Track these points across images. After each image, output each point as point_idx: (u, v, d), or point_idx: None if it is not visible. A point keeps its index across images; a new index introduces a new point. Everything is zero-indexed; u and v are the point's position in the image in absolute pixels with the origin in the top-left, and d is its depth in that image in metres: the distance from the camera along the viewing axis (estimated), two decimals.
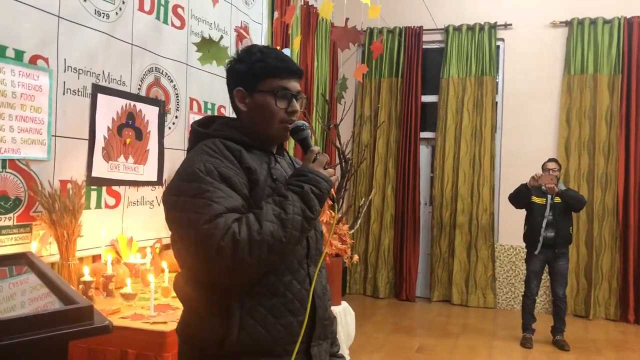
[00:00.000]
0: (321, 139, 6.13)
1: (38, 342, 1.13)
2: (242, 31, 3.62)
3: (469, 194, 6.34)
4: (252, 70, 1.49)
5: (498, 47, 6.40)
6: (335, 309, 3.15)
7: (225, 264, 1.29)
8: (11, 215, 2.42)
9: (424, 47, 6.55)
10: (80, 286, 2.45)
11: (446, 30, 6.44)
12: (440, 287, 6.50)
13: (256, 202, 1.40)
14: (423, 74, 6.56)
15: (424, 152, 6.78)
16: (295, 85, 1.52)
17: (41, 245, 2.55)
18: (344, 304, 3.59)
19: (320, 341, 1.52)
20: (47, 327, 1.12)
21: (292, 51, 3.80)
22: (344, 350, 3.41)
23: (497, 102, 6.39)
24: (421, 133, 6.58)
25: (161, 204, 3.38)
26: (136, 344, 2.14)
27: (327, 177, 1.45)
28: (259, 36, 4.47)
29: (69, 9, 2.68)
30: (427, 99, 6.66)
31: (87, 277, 2.46)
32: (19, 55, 2.43)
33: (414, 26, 6.51)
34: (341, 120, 4.90)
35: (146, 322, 2.23)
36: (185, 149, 3.59)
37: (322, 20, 5.98)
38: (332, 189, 1.47)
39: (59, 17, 2.62)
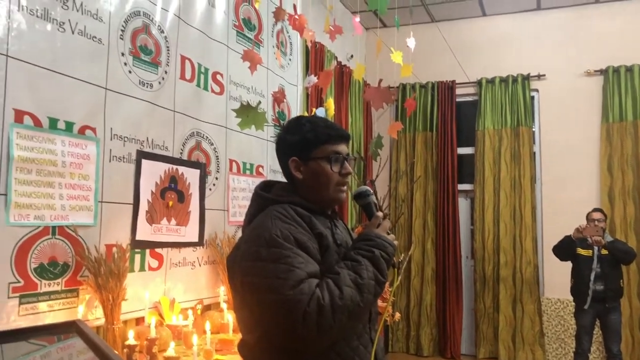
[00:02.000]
0: None
1: None
2: (279, 96, 3.73)
3: (512, 246, 6.20)
4: (304, 140, 1.56)
5: (532, 97, 6.40)
6: None
7: (310, 329, 1.30)
8: (59, 280, 2.49)
9: (457, 100, 6.60)
10: (125, 350, 2.48)
11: (479, 83, 6.49)
12: (486, 343, 6.27)
13: (328, 267, 1.43)
14: (458, 126, 6.58)
15: (463, 204, 6.71)
16: (344, 148, 1.60)
17: (87, 309, 2.60)
18: None
19: None
20: None
21: (326, 111, 3.88)
22: None
23: (535, 153, 6.33)
24: (459, 185, 6.54)
25: (203, 264, 3.45)
26: None
27: (391, 241, 1.51)
28: (295, 97, 4.60)
29: (116, 81, 2.82)
30: (463, 151, 6.65)
31: (131, 341, 2.49)
32: (69, 126, 2.56)
33: (446, 80, 6.59)
34: (377, 175, 4.93)
35: None
36: (225, 208, 3.67)
37: (354, 79, 6.11)
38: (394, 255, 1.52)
39: (106, 89, 2.77)
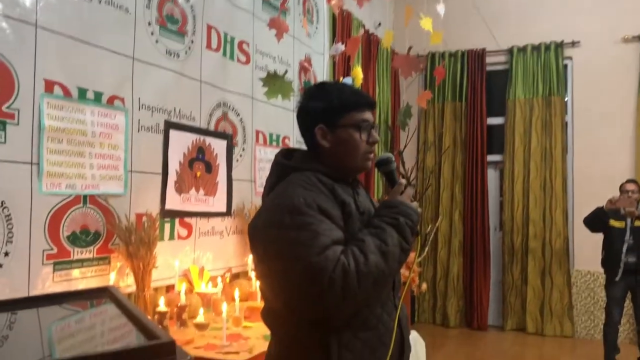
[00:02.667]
0: None
1: None
2: (306, 64, 3.69)
3: (541, 218, 6.11)
4: (331, 107, 1.52)
5: (566, 66, 6.21)
6: None
7: (335, 296, 1.29)
8: (91, 248, 2.54)
9: (487, 69, 6.44)
10: (156, 316, 2.53)
11: (510, 51, 6.32)
12: (513, 315, 6.25)
13: (351, 235, 1.41)
14: (488, 96, 6.44)
15: (492, 175, 6.61)
16: (370, 116, 1.56)
17: (119, 276, 2.65)
18: (414, 333, 3.51)
19: None
20: None
21: (353, 80, 3.83)
22: None
23: (567, 123, 6.18)
24: (488, 156, 6.43)
25: (231, 234, 3.47)
26: None
27: (415, 209, 1.48)
28: (321, 66, 4.55)
29: (143, 51, 2.82)
30: (492, 121, 6.53)
31: (162, 308, 2.54)
32: (97, 96, 2.57)
33: (476, 48, 6.43)
34: (405, 146, 4.88)
35: (219, 352, 2.26)
36: (252, 179, 3.68)
37: (383, 47, 6.01)
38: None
39: (133, 58, 2.77)
